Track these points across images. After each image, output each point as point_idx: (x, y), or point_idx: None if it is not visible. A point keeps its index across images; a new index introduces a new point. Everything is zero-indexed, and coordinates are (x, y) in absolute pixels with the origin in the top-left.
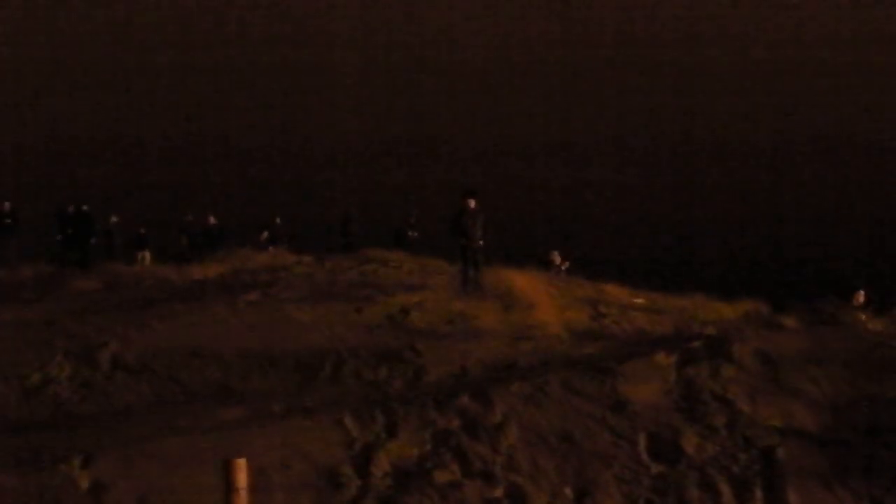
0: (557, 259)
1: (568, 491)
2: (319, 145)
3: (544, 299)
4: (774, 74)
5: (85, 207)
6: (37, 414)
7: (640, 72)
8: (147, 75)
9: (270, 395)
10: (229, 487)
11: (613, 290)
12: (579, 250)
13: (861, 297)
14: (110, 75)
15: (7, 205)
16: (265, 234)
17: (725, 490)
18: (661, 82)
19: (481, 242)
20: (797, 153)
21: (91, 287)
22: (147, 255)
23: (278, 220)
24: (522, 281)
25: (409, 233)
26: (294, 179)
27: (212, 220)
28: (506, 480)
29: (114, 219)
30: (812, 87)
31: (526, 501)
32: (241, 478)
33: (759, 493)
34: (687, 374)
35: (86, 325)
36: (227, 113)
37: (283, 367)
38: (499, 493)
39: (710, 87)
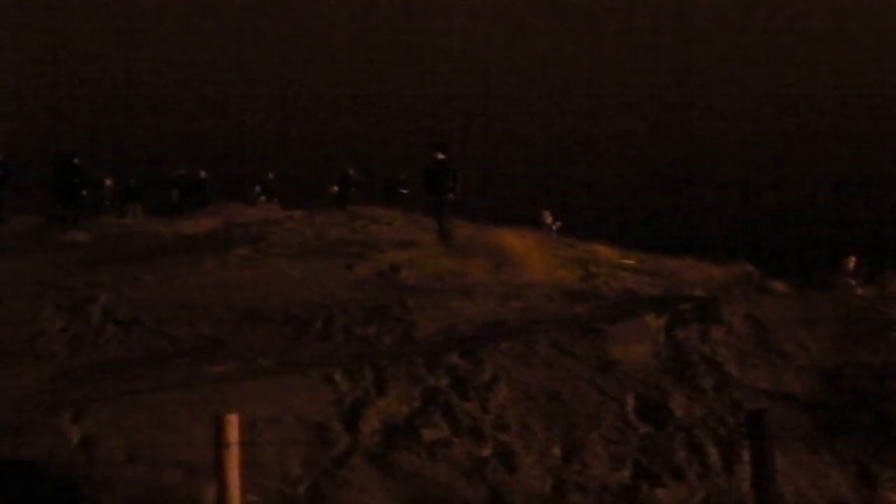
0: (549, 219)
1: (556, 450)
2: (317, 100)
3: (535, 258)
4: (781, 32)
5: (76, 160)
6: (27, 367)
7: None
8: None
9: (260, 350)
10: (221, 442)
11: (604, 251)
12: (571, 210)
13: (851, 262)
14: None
15: None
16: (257, 189)
17: (713, 451)
18: (666, 41)
19: (451, 195)
20: (798, 117)
21: (81, 240)
22: (138, 208)
23: (270, 175)
24: (513, 240)
25: (400, 189)
26: (289, 134)
27: (202, 174)
28: (494, 439)
29: (108, 182)
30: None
31: (514, 460)
32: (233, 433)
33: (746, 456)
34: (676, 335)
35: (76, 278)
36: (226, 65)
37: (274, 322)
38: (487, 451)
39: (716, 50)
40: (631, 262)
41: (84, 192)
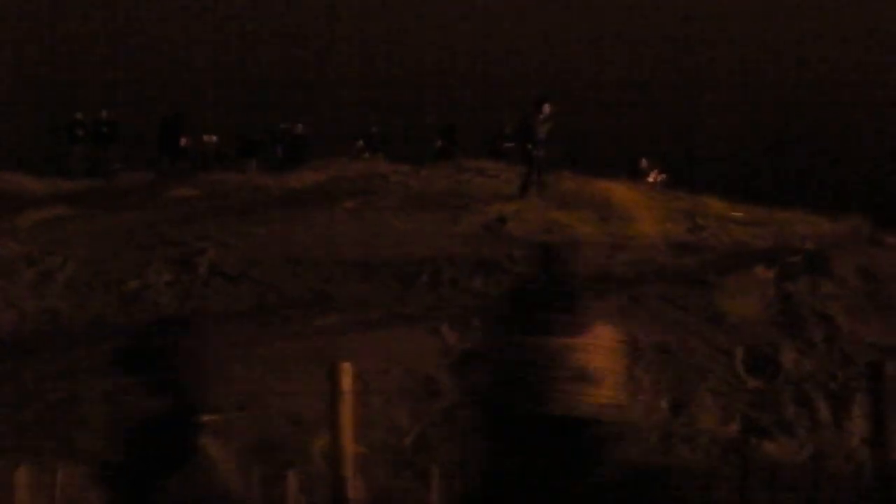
0: (647, 167)
1: (664, 403)
2: (421, 55)
3: (642, 210)
4: None
5: (178, 113)
6: (135, 319)
7: None
8: None
9: (368, 302)
10: (335, 390)
11: (712, 203)
12: (675, 162)
13: None
14: None
15: (104, 113)
16: (360, 143)
17: (822, 406)
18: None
19: (544, 149)
20: None
21: (189, 195)
22: (253, 162)
23: (374, 129)
24: (619, 192)
25: (505, 143)
26: (391, 88)
27: (299, 127)
28: None
29: (213, 138)
30: None
31: (621, 412)
32: (347, 381)
33: (856, 410)
34: (786, 288)
35: (184, 232)
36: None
37: (381, 275)
38: None
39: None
40: (740, 214)
41: (183, 143)
